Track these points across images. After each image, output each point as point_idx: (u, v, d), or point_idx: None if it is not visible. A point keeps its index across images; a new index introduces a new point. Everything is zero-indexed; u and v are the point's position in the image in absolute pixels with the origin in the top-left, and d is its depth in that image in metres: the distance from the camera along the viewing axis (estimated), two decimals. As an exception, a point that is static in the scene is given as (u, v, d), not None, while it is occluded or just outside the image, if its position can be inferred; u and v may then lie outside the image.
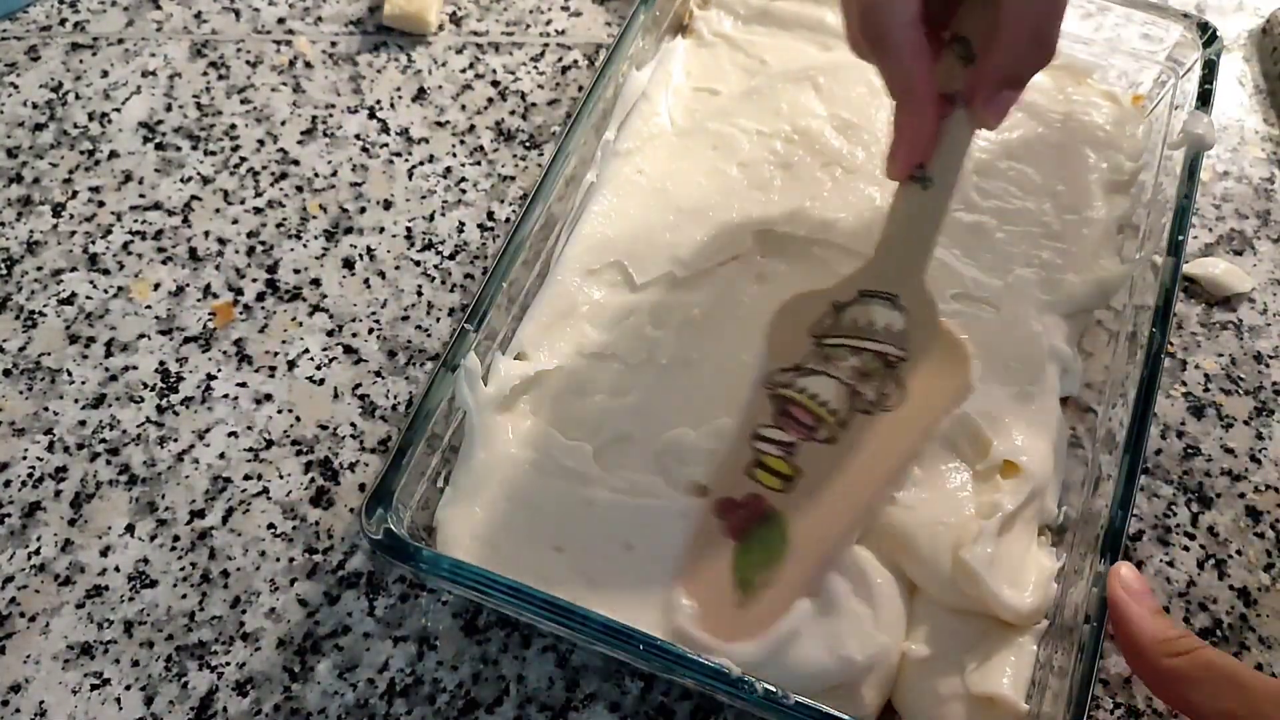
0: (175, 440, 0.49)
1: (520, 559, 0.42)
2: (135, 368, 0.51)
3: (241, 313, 0.53)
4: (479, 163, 0.58)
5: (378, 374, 0.51)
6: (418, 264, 0.54)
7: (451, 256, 0.55)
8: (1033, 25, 0.38)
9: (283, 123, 0.59)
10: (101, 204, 0.56)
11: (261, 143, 0.58)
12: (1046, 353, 0.47)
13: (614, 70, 0.52)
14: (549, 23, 0.64)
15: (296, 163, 0.58)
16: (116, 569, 0.46)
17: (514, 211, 0.56)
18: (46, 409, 0.50)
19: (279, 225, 0.55)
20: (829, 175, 0.52)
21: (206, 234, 0.55)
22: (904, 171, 0.42)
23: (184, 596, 0.45)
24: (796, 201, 0.51)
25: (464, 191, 0.57)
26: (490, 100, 0.60)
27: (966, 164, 0.43)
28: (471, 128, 0.59)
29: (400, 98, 0.60)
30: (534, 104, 0.60)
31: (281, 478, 0.48)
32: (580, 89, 0.61)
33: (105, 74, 0.60)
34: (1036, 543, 0.43)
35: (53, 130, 0.58)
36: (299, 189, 0.57)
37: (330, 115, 0.59)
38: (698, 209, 0.51)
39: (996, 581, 0.40)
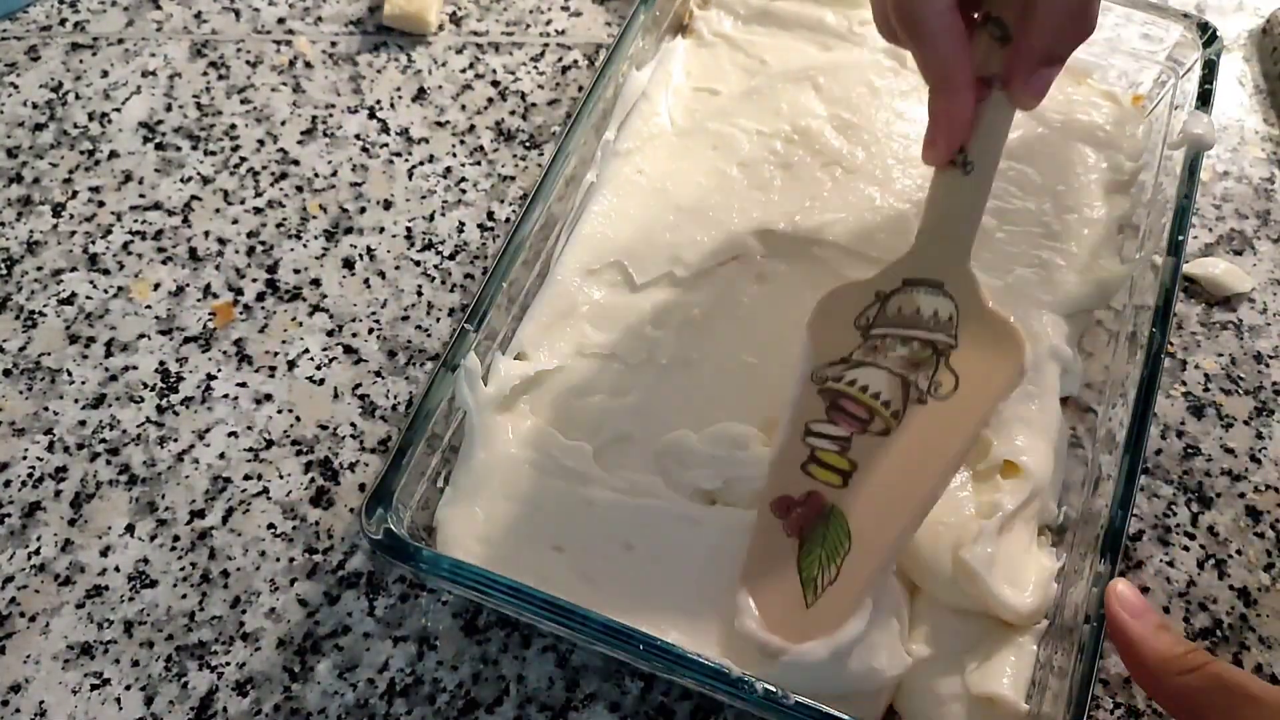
0: (175, 440, 0.49)
1: (520, 559, 0.42)
2: (135, 368, 0.51)
3: (241, 313, 0.53)
4: (479, 163, 0.58)
5: (378, 374, 0.51)
6: (418, 264, 0.54)
7: (451, 256, 0.55)
8: (1070, 2, 0.38)
9: (283, 123, 0.59)
10: (101, 204, 0.56)
11: (261, 143, 0.58)
12: (1046, 353, 0.47)
13: (614, 70, 0.52)
14: (549, 23, 0.64)
15: (296, 163, 0.58)
16: (116, 569, 0.46)
17: (514, 211, 0.56)
18: (46, 409, 0.50)
19: (279, 225, 0.55)
20: (829, 175, 0.52)
21: (206, 234, 0.55)
22: (945, 158, 0.41)
23: (184, 596, 0.45)
24: (796, 201, 0.51)
25: (464, 191, 0.57)
26: (490, 100, 0.60)
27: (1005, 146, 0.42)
28: (471, 128, 0.59)
29: (400, 98, 0.60)
30: (534, 104, 0.60)
31: (281, 478, 0.48)
32: (580, 89, 0.61)
33: (105, 74, 0.60)
34: (1036, 543, 0.43)
35: (53, 130, 0.58)
36: (299, 189, 0.57)
37: (330, 115, 0.59)
38: (698, 209, 0.51)
39: (996, 581, 0.40)
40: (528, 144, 0.59)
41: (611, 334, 0.47)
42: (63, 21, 0.62)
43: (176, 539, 0.47)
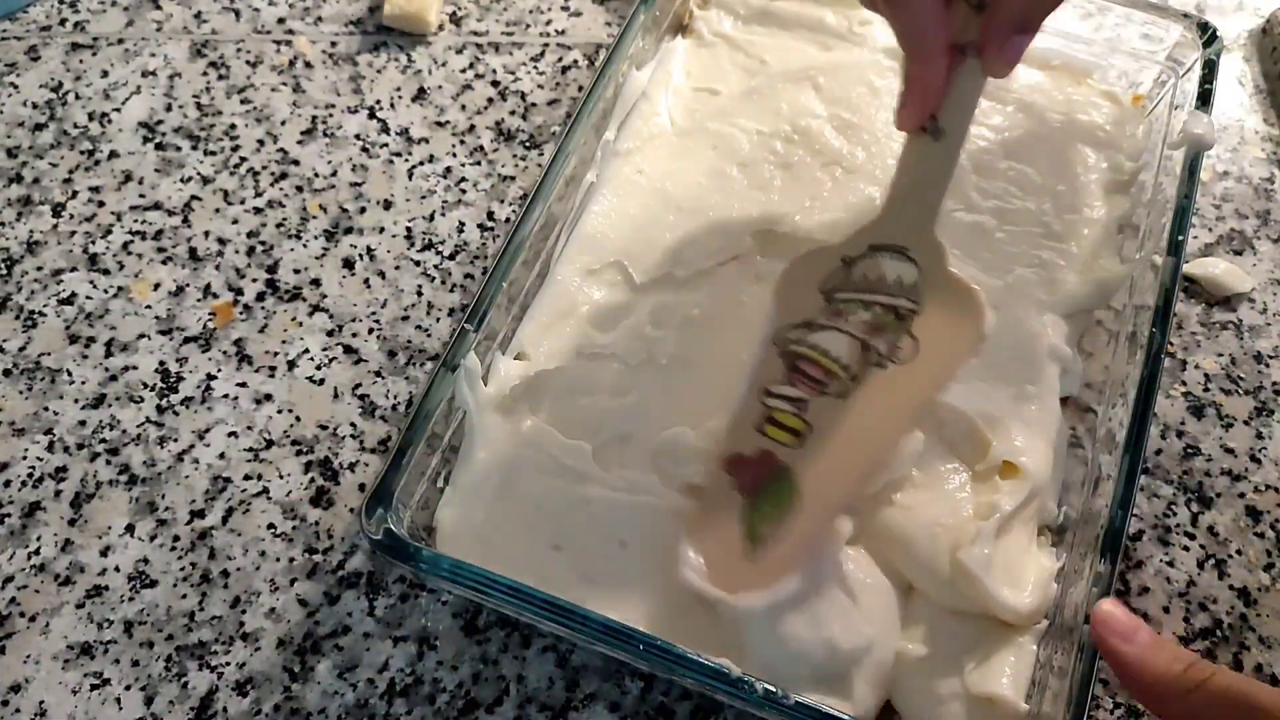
0: (175, 440, 0.49)
1: (520, 558, 0.42)
2: (135, 368, 0.51)
3: (241, 313, 0.53)
4: (479, 163, 0.58)
5: (378, 374, 0.51)
6: (418, 264, 0.54)
7: (451, 256, 0.55)
8: None
9: (283, 123, 0.59)
10: (101, 204, 0.56)
11: (261, 143, 0.58)
12: (1046, 353, 0.47)
13: (614, 70, 0.52)
14: (549, 23, 0.64)
15: (296, 163, 0.58)
16: (116, 569, 0.46)
17: (514, 211, 0.56)
18: (46, 409, 0.50)
19: (279, 225, 0.55)
20: (829, 175, 0.52)
21: (206, 234, 0.55)
22: (916, 123, 0.42)
23: (184, 596, 0.45)
24: (796, 201, 0.51)
25: (464, 191, 0.57)
26: (490, 100, 0.60)
27: (973, 123, 0.43)
28: (471, 128, 0.59)
29: (400, 98, 0.60)
30: (534, 104, 0.60)
31: (281, 478, 0.48)
32: (580, 89, 0.61)
33: (105, 74, 0.60)
34: (1036, 543, 0.43)
35: (53, 130, 0.58)
36: (299, 189, 0.57)
37: (330, 115, 0.59)
38: (698, 209, 0.51)
39: (995, 582, 0.40)
40: (528, 144, 0.59)
41: (611, 334, 0.48)
42: (63, 21, 0.62)
43: (176, 539, 0.47)
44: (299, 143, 0.58)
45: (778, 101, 0.55)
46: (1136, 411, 0.41)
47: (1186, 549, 0.48)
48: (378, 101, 0.60)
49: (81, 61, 0.61)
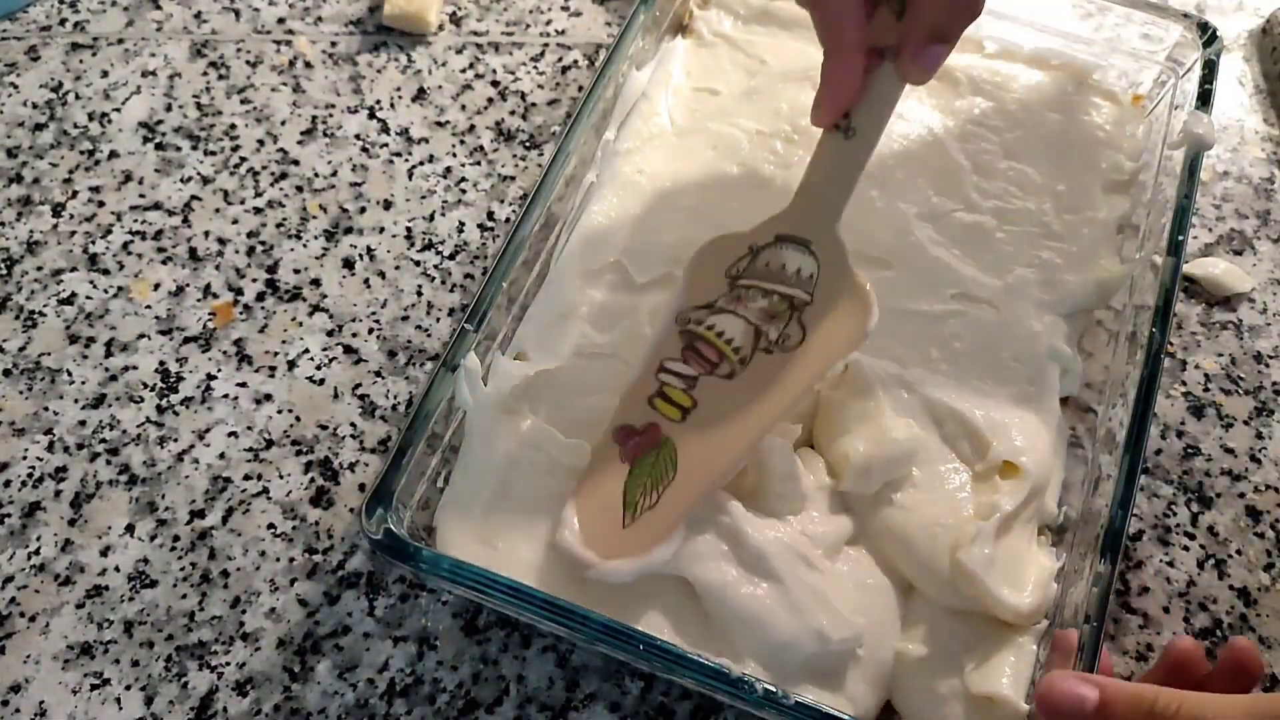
0: (175, 440, 0.49)
1: (520, 559, 0.42)
2: (135, 368, 0.51)
3: (241, 313, 0.53)
4: (479, 163, 0.58)
5: (378, 374, 0.51)
6: (418, 264, 0.54)
7: (451, 256, 0.55)
8: None
9: (283, 123, 0.59)
10: (101, 204, 0.56)
11: (261, 143, 0.58)
12: (1046, 353, 0.47)
13: (614, 70, 0.52)
14: (549, 23, 0.64)
15: (296, 163, 0.58)
16: (116, 569, 0.46)
17: (514, 211, 0.56)
18: (46, 409, 0.50)
19: (279, 225, 0.55)
20: (829, 175, 0.52)
21: (206, 234, 0.55)
22: (828, 119, 0.43)
23: (184, 596, 0.45)
24: (796, 201, 0.51)
25: (464, 191, 0.57)
26: (490, 100, 0.60)
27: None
28: (471, 128, 0.59)
29: (400, 98, 0.60)
30: (534, 104, 0.60)
31: (281, 478, 0.48)
32: (580, 89, 0.61)
33: (105, 74, 0.60)
34: (1036, 542, 0.43)
35: (53, 130, 0.58)
36: (299, 189, 0.57)
37: (330, 115, 0.59)
38: (698, 209, 0.51)
39: (995, 582, 0.40)
40: (528, 144, 0.59)
41: (611, 334, 0.47)
42: (63, 21, 0.62)
43: (176, 539, 0.47)
44: (299, 143, 0.58)
45: (778, 101, 0.55)
46: (1136, 411, 0.41)
47: (1186, 549, 0.48)
48: (378, 101, 0.60)
49: (81, 61, 0.61)
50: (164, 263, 0.54)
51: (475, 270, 0.54)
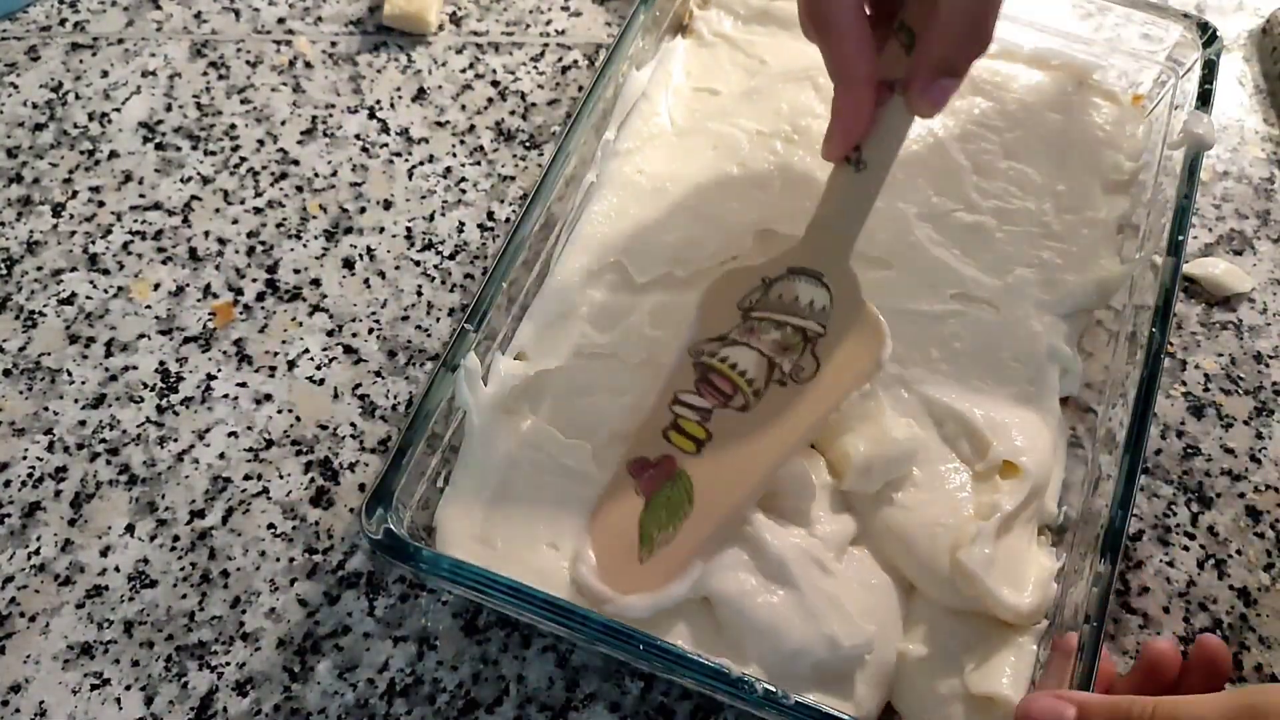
0: (175, 440, 0.49)
1: (520, 558, 0.42)
2: (135, 368, 0.51)
3: (241, 313, 0.53)
4: (479, 163, 0.58)
5: (378, 374, 0.51)
6: (418, 264, 0.54)
7: (451, 256, 0.55)
8: (969, 14, 0.39)
9: (283, 123, 0.59)
10: (101, 204, 0.56)
11: (261, 143, 0.58)
12: (1046, 353, 0.47)
13: (614, 70, 0.52)
14: (549, 23, 0.64)
15: (296, 163, 0.58)
16: (116, 569, 0.46)
17: (514, 211, 0.56)
18: (46, 409, 0.50)
19: (279, 225, 0.55)
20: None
21: (206, 234, 0.55)
22: (839, 153, 0.43)
23: (184, 596, 0.45)
24: (796, 201, 0.51)
25: (464, 191, 0.57)
26: (490, 100, 0.60)
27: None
28: (471, 128, 0.59)
29: (400, 98, 0.60)
30: (534, 104, 0.60)
31: (281, 478, 0.48)
32: (580, 89, 0.61)
33: (105, 74, 0.60)
34: (1036, 542, 0.43)
35: (53, 130, 0.58)
36: (299, 189, 0.57)
37: (330, 115, 0.59)
38: (698, 209, 0.51)
39: (995, 582, 0.40)
40: (528, 144, 0.59)
41: (611, 334, 0.47)
42: (63, 21, 0.62)
43: (176, 539, 0.47)
44: (299, 143, 0.58)
45: (778, 101, 0.55)
46: (1136, 411, 0.41)
47: (1186, 549, 0.48)
48: (378, 101, 0.60)
49: (81, 61, 0.61)
50: (164, 263, 0.54)
51: (475, 270, 0.54)
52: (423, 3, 0.61)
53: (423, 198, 0.57)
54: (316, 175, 0.57)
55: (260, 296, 0.53)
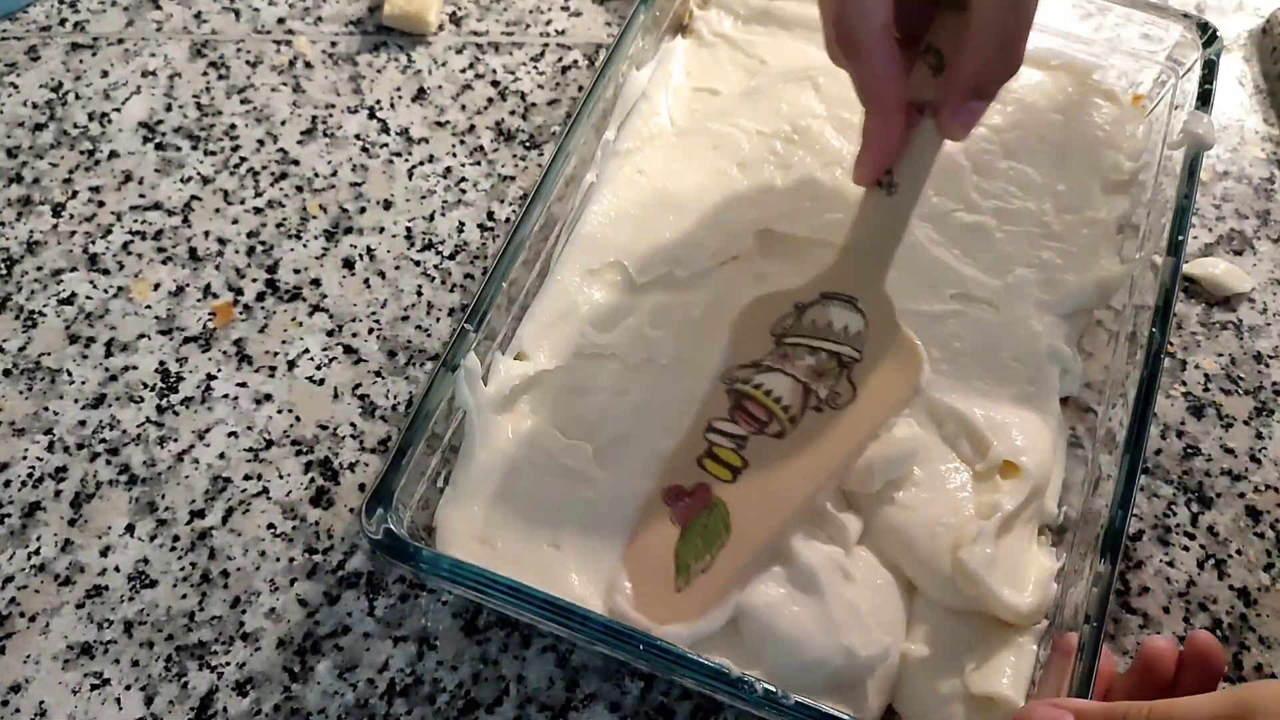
0: (175, 440, 0.49)
1: (520, 558, 0.42)
2: (135, 368, 0.51)
3: (241, 313, 0.53)
4: (479, 163, 0.58)
5: (378, 374, 0.51)
6: (418, 264, 0.54)
7: (451, 256, 0.55)
8: (999, 36, 0.39)
9: (283, 123, 0.59)
10: (101, 204, 0.56)
11: (261, 143, 0.58)
12: (1046, 353, 0.47)
13: (614, 70, 0.52)
14: (549, 23, 0.64)
15: (296, 163, 0.58)
16: (116, 569, 0.46)
17: (514, 211, 0.56)
18: (46, 409, 0.50)
19: (279, 225, 0.55)
20: (829, 175, 0.52)
21: (206, 234, 0.55)
22: (870, 177, 0.43)
23: (184, 596, 0.45)
24: (796, 201, 0.51)
25: (464, 191, 0.57)
26: (490, 100, 0.60)
27: (937, 170, 0.44)
28: (471, 128, 0.59)
29: (400, 98, 0.60)
30: (534, 104, 0.60)
31: (281, 478, 0.48)
32: (580, 89, 0.61)
33: (105, 74, 0.60)
34: (1036, 543, 0.43)
35: (53, 130, 0.58)
36: (299, 189, 0.57)
37: (330, 115, 0.59)
38: (698, 209, 0.51)
39: (996, 582, 0.40)
40: (528, 144, 0.59)
41: (611, 334, 0.47)
42: (63, 21, 0.62)
43: (176, 539, 0.47)
44: (299, 143, 0.58)
45: (778, 101, 0.55)
46: (1136, 411, 0.41)
47: (1186, 549, 0.48)
48: (378, 101, 0.60)
49: (81, 61, 0.61)
50: (164, 263, 0.54)
51: (475, 270, 0.54)
52: (423, 3, 0.61)
53: (423, 198, 0.57)
54: (316, 175, 0.57)
55: (260, 296, 0.53)
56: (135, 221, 0.55)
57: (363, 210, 0.56)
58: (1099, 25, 0.55)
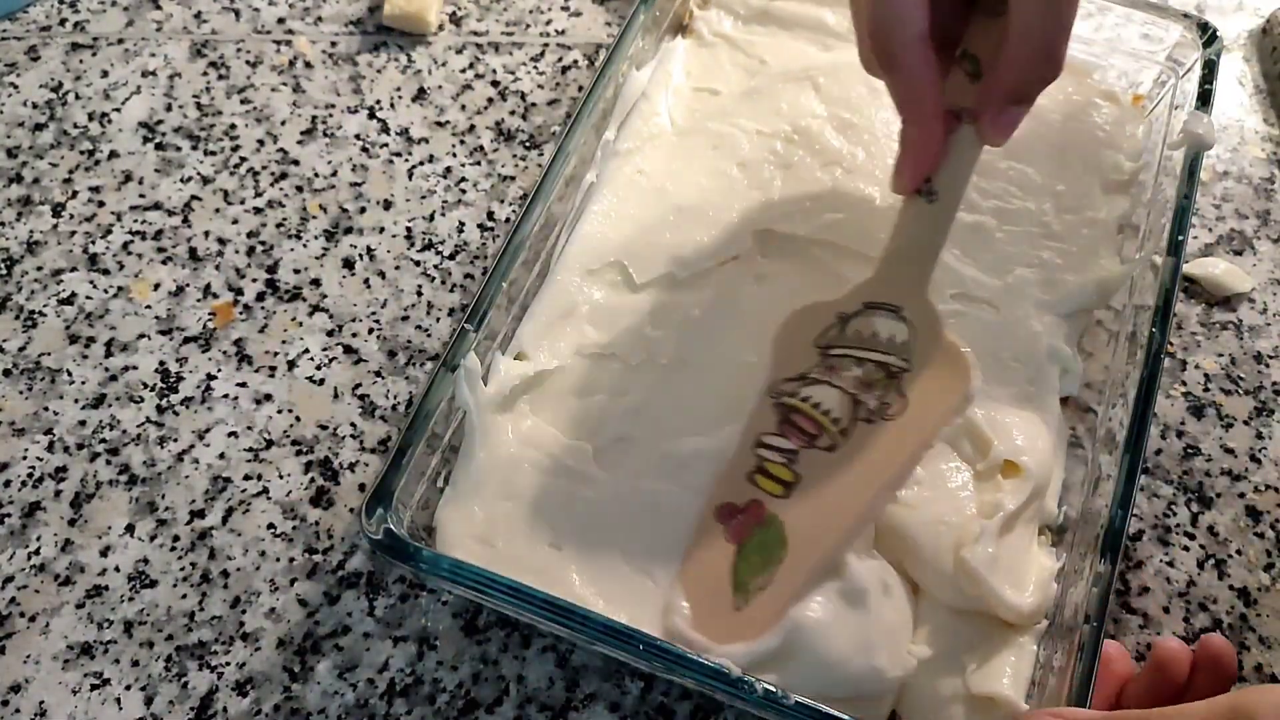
0: (175, 440, 0.49)
1: (520, 559, 0.42)
2: (135, 368, 0.51)
3: (241, 313, 0.53)
4: (479, 163, 0.58)
5: (378, 374, 0.51)
6: (418, 264, 0.54)
7: (451, 256, 0.55)
8: (1040, 42, 0.38)
9: (283, 123, 0.59)
10: (101, 204, 0.56)
11: (261, 143, 0.58)
12: (1046, 353, 0.47)
13: (614, 70, 0.52)
14: (549, 23, 0.64)
15: (296, 163, 0.58)
16: (116, 569, 0.46)
17: (514, 211, 0.56)
18: (46, 409, 0.50)
19: (279, 225, 0.55)
20: (829, 175, 0.52)
21: (206, 234, 0.55)
22: (910, 187, 0.43)
23: (184, 596, 0.45)
24: (796, 201, 0.51)
25: (464, 191, 0.57)
26: (490, 100, 0.60)
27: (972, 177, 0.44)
28: (471, 128, 0.59)
29: (400, 98, 0.60)
30: (534, 104, 0.60)
31: (281, 478, 0.48)
32: (580, 89, 0.61)
33: (105, 74, 0.60)
34: (1037, 543, 0.43)
35: (53, 130, 0.58)
36: (299, 189, 0.57)
37: (330, 115, 0.59)
38: (698, 209, 0.51)
39: (998, 581, 0.40)
40: (528, 144, 0.59)
41: (611, 334, 0.47)
42: (63, 21, 0.62)
43: (176, 539, 0.47)
44: (299, 143, 0.58)
45: (778, 101, 0.55)
46: (1136, 411, 0.41)
47: (1186, 549, 0.48)
48: (378, 101, 0.60)
49: (81, 61, 0.61)
50: (164, 263, 0.54)
51: (475, 270, 0.54)
52: (423, 3, 0.61)
53: (423, 198, 0.57)
54: (316, 175, 0.57)
55: (260, 296, 0.53)
56: (135, 221, 0.55)
57: (363, 210, 0.56)
58: (1099, 25, 0.55)
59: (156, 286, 0.53)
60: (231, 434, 0.49)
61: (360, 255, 0.55)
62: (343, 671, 0.44)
